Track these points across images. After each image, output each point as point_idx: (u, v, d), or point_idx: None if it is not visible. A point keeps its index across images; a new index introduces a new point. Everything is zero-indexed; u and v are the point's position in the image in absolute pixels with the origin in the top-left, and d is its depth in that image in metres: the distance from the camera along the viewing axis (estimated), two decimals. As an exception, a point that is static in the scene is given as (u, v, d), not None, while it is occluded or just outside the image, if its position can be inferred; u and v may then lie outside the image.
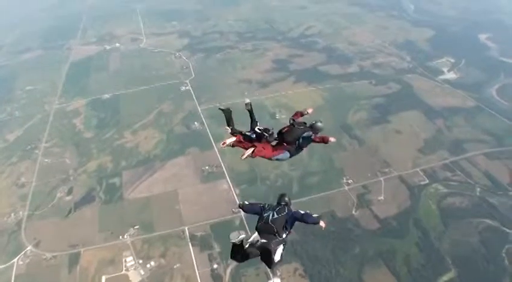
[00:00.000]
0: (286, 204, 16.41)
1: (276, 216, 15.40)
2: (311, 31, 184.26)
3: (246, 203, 17.32)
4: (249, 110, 21.61)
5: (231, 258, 15.98)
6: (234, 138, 20.73)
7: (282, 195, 17.07)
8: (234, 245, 14.83)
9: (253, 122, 21.20)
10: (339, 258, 79.93)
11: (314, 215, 16.05)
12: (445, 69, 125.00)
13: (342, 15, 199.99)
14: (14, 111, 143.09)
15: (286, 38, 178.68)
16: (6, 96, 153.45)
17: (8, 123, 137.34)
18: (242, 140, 20.48)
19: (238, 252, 14.87)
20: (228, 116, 21.81)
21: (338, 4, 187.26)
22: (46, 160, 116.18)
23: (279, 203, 16.52)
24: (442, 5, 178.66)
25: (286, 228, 15.17)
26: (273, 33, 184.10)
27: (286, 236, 15.21)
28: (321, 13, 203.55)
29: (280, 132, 20.31)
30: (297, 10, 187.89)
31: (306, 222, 15.68)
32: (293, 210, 16.04)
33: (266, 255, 14.91)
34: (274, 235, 14.96)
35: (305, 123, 21.09)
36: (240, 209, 17.32)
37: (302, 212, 16.08)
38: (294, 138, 19.92)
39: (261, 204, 16.76)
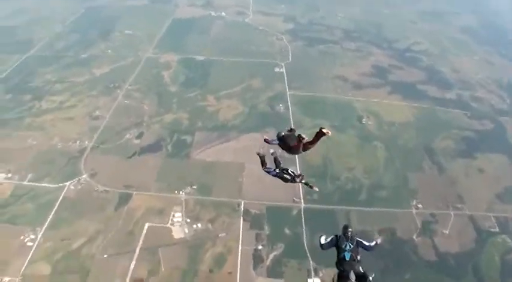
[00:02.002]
0: (351, 233, 24.19)
1: (352, 246, 23.19)
2: (417, 47, 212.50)
3: (323, 241, 25.30)
4: (275, 157, 32.56)
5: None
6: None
7: (346, 227, 25.02)
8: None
9: (279, 166, 32.19)
10: (386, 278, 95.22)
11: (372, 244, 24.39)
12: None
13: (450, 39, 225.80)
14: (107, 49, 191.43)
15: (391, 47, 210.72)
16: (104, 35, 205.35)
17: (99, 59, 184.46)
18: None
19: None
20: (262, 159, 32.92)
21: (449, 27, 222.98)
22: (125, 101, 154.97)
23: (345, 233, 24.13)
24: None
25: (359, 253, 23.16)
26: (379, 40, 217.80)
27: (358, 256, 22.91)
28: (430, 31, 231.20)
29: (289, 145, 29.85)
30: (406, 23, 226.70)
31: (368, 250, 23.55)
32: (357, 239, 24.13)
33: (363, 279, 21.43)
34: (354, 261, 22.87)
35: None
36: (321, 247, 25.62)
37: (366, 243, 24.20)
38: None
39: (333, 236, 24.63)
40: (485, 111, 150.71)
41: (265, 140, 33.21)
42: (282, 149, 31.19)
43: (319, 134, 28.51)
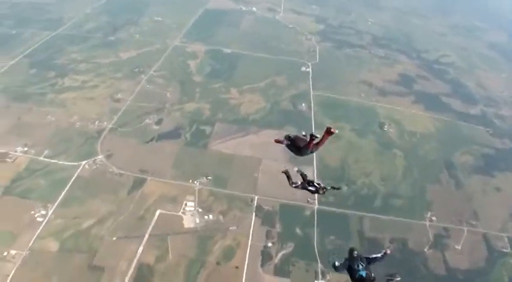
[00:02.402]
0: (358, 253, 26.55)
1: (364, 265, 25.00)
2: (445, 59, 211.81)
3: (337, 264, 27.08)
4: (286, 174, 34.66)
5: None
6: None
7: (352, 250, 26.89)
8: None
9: (305, 179, 35.10)
10: None
11: (381, 254, 26.59)
12: None
13: (479, 54, 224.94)
14: (135, 33, 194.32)
15: (419, 57, 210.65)
16: (133, 19, 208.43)
17: (126, 42, 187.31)
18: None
19: None
20: (287, 175, 35.12)
21: (478, 42, 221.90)
22: (148, 86, 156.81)
23: (353, 255, 26.12)
24: None
25: (371, 270, 25.12)
26: (407, 48, 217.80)
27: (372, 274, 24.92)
28: (459, 45, 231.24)
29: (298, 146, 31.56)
30: (436, 35, 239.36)
31: (380, 261, 26.05)
32: (366, 257, 26.12)
33: None
34: (371, 278, 24.99)
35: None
36: (335, 268, 27.44)
37: (375, 256, 26.34)
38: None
39: (344, 260, 26.66)
40: (507, 129, 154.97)
41: (276, 141, 34.66)
42: (290, 150, 32.62)
43: (327, 134, 30.72)
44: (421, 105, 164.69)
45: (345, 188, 38.56)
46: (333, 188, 36.15)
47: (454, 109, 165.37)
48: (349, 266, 25.49)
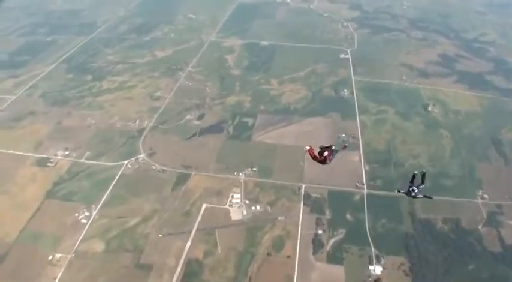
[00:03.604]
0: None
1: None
2: (485, 38, 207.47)
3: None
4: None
5: None
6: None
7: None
8: None
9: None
10: (450, 268, 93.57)
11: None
12: None
13: None
14: (170, 32, 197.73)
15: (458, 37, 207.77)
16: (167, 18, 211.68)
17: (161, 41, 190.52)
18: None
19: None
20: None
21: None
22: (187, 83, 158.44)
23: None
24: None
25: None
26: (446, 29, 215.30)
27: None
28: (498, 23, 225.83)
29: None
30: (473, 14, 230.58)
31: None
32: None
33: None
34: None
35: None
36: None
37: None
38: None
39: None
40: None
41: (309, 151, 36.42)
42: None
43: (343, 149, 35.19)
44: (464, 84, 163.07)
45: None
46: (425, 196, 39.03)
47: (498, 86, 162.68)
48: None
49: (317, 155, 34.88)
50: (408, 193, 38.14)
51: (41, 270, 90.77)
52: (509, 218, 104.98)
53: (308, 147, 35.33)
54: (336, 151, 34.38)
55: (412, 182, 38.61)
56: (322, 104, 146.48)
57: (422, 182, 38.18)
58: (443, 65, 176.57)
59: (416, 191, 37.68)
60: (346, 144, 41.73)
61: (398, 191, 40.26)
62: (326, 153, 34.62)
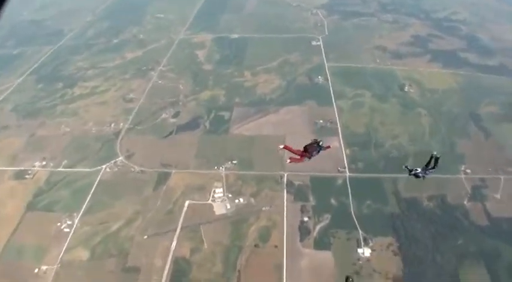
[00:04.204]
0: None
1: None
2: (456, 16, 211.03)
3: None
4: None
5: None
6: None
7: (348, 278, 28.88)
8: None
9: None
10: (438, 245, 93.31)
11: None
12: None
13: (489, 8, 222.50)
14: (138, 33, 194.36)
15: (429, 17, 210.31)
16: (135, 19, 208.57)
17: (130, 43, 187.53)
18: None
19: None
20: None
21: None
22: (160, 82, 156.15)
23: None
24: None
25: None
26: (416, 10, 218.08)
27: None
28: (468, 1, 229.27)
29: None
30: None
31: None
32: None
33: None
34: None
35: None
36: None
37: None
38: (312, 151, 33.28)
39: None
40: None
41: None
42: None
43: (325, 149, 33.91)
44: (438, 63, 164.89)
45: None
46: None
47: (472, 63, 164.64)
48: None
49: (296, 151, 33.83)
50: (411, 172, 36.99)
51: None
52: (493, 191, 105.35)
53: (282, 146, 35.85)
54: (321, 148, 33.02)
55: (427, 165, 37.34)
56: (298, 92, 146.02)
57: (434, 167, 36.80)
58: (416, 46, 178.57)
59: (419, 170, 36.89)
60: (330, 146, 37.67)
61: (407, 168, 38.36)
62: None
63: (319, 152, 32.92)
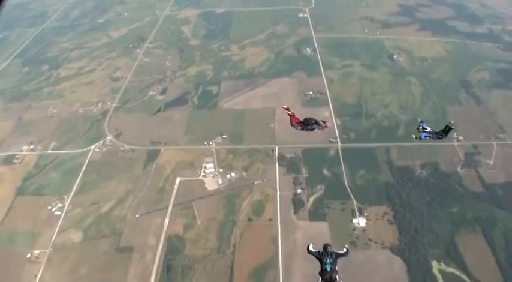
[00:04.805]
0: (331, 249, 27.45)
1: (331, 260, 26.26)
2: None
3: (310, 248, 28.22)
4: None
5: None
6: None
7: (326, 245, 27.64)
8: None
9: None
10: (434, 212, 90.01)
11: (344, 251, 27.64)
12: None
13: None
14: (123, 11, 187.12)
15: None
16: None
17: (115, 22, 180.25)
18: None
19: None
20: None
21: None
22: (146, 59, 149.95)
23: (326, 250, 27.00)
24: None
25: (336, 264, 26.76)
26: None
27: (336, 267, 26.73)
28: None
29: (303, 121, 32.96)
30: None
31: (344, 256, 27.46)
32: (334, 252, 27.16)
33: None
34: (333, 270, 26.46)
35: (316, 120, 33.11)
36: (308, 252, 28.64)
37: (340, 252, 27.32)
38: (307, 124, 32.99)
39: (318, 251, 27.60)
40: None
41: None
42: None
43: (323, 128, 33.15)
44: (427, 31, 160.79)
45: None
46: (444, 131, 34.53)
47: (461, 31, 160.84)
48: (320, 258, 27.30)
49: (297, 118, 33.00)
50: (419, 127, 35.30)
51: (20, 269, 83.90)
52: (486, 157, 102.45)
53: (285, 107, 33.91)
54: (319, 125, 32.90)
55: (438, 132, 34.91)
56: (286, 65, 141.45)
57: (443, 135, 34.75)
58: (404, 15, 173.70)
59: (428, 129, 35.13)
60: (328, 125, 35.76)
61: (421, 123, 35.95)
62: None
63: (313, 129, 32.78)
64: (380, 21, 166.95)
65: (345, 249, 27.82)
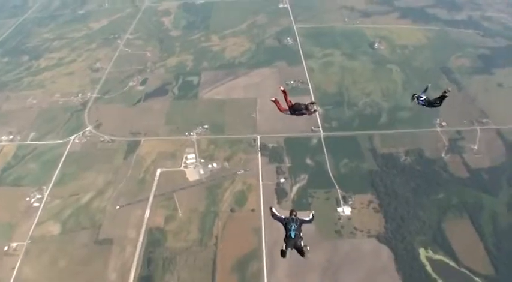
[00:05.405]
0: (296, 216, 25.92)
1: (296, 227, 24.73)
2: None
3: (274, 211, 26.62)
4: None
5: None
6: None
7: (292, 211, 26.08)
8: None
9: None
10: (419, 199, 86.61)
11: (309, 218, 26.11)
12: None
13: None
14: (103, 3, 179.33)
15: None
16: None
17: (96, 13, 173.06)
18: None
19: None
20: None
21: None
22: (126, 50, 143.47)
23: (291, 216, 25.58)
24: None
25: (301, 230, 25.13)
26: None
27: (301, 233, 25.11)
28: None
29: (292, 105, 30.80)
30: None
31: (309, 222, 26.10)
32: (299, 219, 25.67)
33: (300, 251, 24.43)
34: (298, 237, 24.74)
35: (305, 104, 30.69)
36: (271, 215, 26.72)
37: (306, 219, 25.85)
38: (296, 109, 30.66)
39: (283, 216, 26.03)
40: (497, 29, 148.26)
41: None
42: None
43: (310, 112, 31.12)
44: (407, 19, 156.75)
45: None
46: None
47: (441, 18, 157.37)
48: (285, 224, 25.47)
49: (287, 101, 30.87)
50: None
51: (-3, 263, 75.65)
52: (470, 142, 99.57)
53: (282, 88, 31.18)
54: (308, 110, 30.17)
55: (439, 99, 32.73)
56: (267, 54, 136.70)
57: (437, 103, 32.98)
58: (384, 3, 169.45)
59: (423, 97, 34.15)
60: (316, 110, 32.50)
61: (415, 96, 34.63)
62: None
63: (302, 114, 30.74)
64: (360, 11, 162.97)
65: (311, 215, 26.47)
